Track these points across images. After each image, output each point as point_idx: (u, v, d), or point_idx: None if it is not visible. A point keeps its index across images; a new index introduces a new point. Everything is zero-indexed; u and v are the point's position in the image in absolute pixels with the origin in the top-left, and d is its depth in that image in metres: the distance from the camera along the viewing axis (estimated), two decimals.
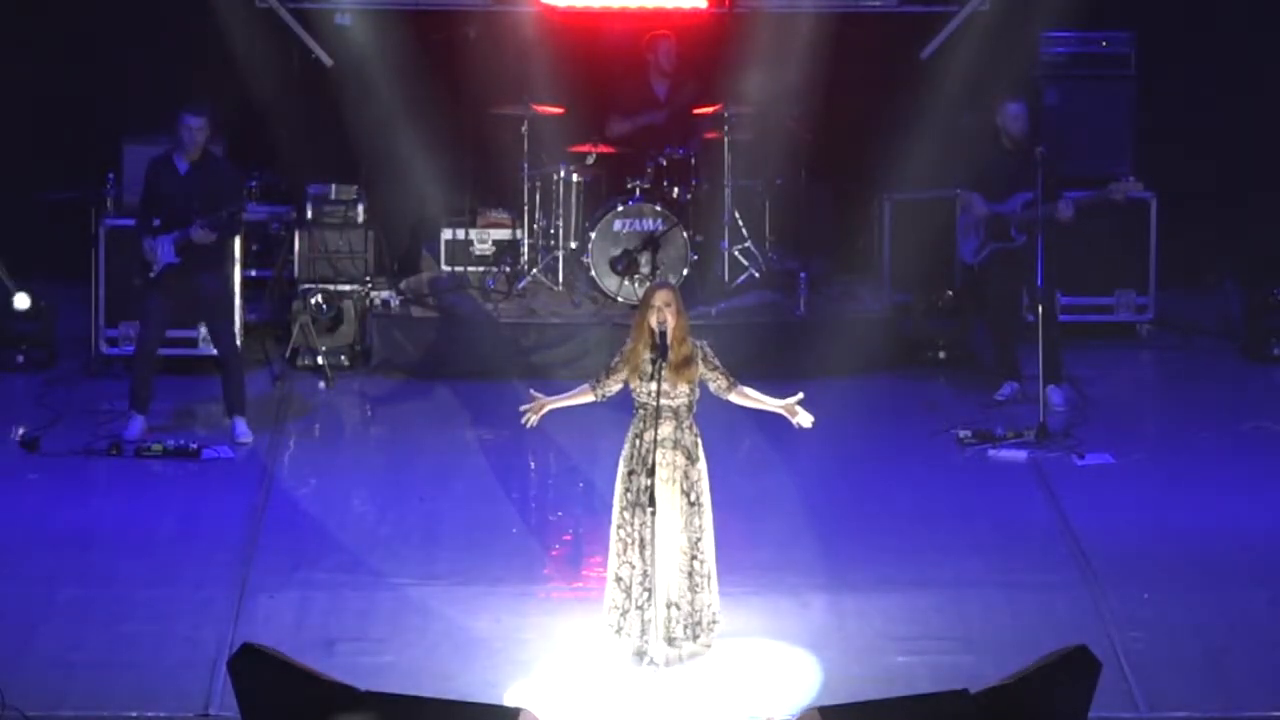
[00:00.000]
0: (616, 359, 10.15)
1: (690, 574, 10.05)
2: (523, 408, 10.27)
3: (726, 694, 9.85)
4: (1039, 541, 11.75)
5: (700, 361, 10.07)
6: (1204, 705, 9.87)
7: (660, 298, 10.01)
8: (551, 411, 10.29)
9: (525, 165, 15.32)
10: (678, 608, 10.02)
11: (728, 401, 10.18)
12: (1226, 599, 10.92)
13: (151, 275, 13.07)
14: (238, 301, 14.41)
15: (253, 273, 15.01)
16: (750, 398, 10.19)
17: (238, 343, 13.74)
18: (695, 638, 10.08)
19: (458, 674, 10.00)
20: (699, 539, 10.08)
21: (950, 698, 7.80)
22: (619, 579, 10.08)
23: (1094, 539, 11.64)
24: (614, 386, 10.13)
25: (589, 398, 10.18)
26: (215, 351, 13.56)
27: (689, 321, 10.19)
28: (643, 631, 10.00)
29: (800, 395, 10.21)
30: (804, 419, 10.20)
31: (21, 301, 14.58)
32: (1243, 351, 15.17)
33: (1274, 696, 9.89)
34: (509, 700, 9.64)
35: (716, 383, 10.11)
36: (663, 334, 9.92)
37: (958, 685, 7.89)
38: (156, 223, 13.01)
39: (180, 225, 12.95)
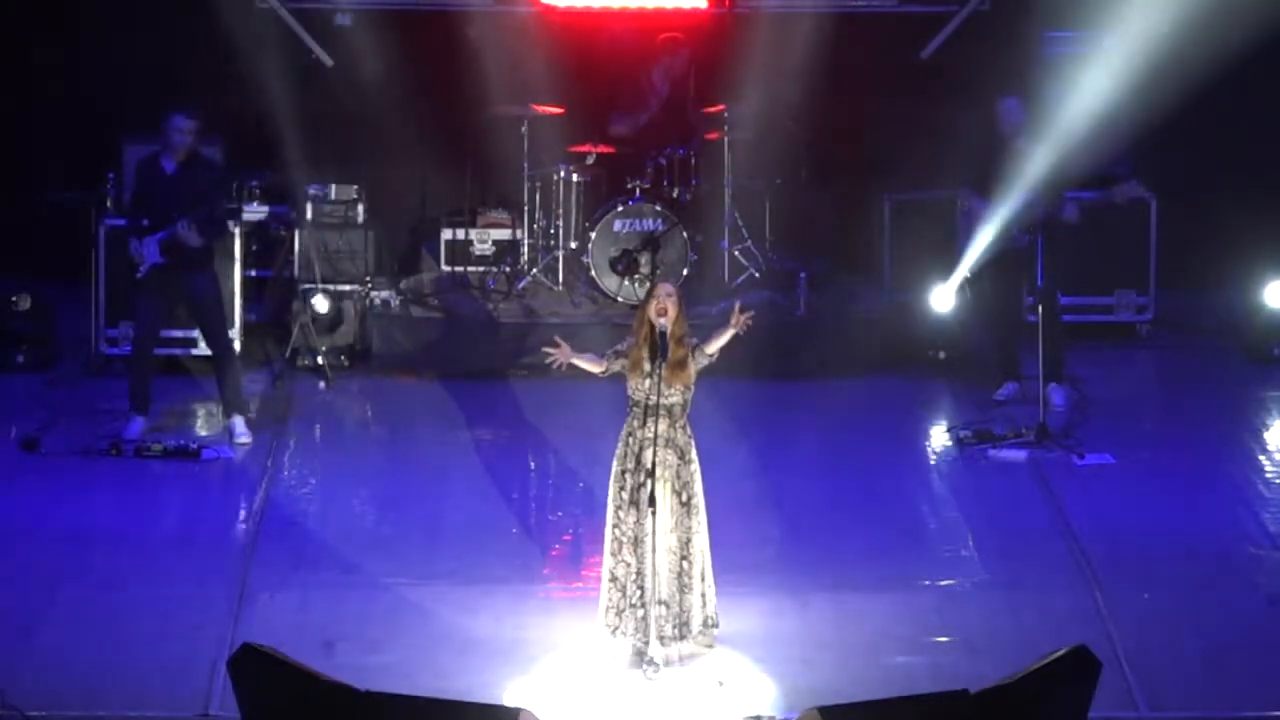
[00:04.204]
0: (623, 345, 10.16)
1: (679, 574, 10.04)
2: (546, 348, 10.30)
3: (726, 694, 9.84)
4: (1039, 541, 11.73)
5: (690, 357, 10.05)
6: (1204, 705, 9.87)
7: (663, 289, 10.06)
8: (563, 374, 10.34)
9: (525, 165, 15.33)
10: (667, 606, 10.02)
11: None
12: (1226, 599, 10.91)
13: (139, 276, 13.07)
14: (238, 302, 14.44)
15: (253, 273, 15.01)
16: (714, 340, 10.09)
17: (233, 343, 13.74)
18: (682, 637, 10.07)
19: (458, 674, 9.99)
20: (689, 539, 10.07)
21: (950, 698, 7.79)
22: (614, 578, 10.08)
23: (1094, 539, 11.63)
24: (616, 366, 10.15)
25: (597, 368, 10.20)
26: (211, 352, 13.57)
27: (688, 322, 10.19)
28: (638, 630, 10.00)
29: (736, 305, 10.15)
30: (740, 319, 10.09)
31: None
32: (1243, 351, 15.17)
33: (1274, 696, 9.89)
34: (509, 700, 9.64)
35: (694, 352, 10.07)
36: (663, 334, 9.93)
37: (958, 685, 7.88)
38: (145, 223, 13.00)
39: (167, 225, 12.93)
